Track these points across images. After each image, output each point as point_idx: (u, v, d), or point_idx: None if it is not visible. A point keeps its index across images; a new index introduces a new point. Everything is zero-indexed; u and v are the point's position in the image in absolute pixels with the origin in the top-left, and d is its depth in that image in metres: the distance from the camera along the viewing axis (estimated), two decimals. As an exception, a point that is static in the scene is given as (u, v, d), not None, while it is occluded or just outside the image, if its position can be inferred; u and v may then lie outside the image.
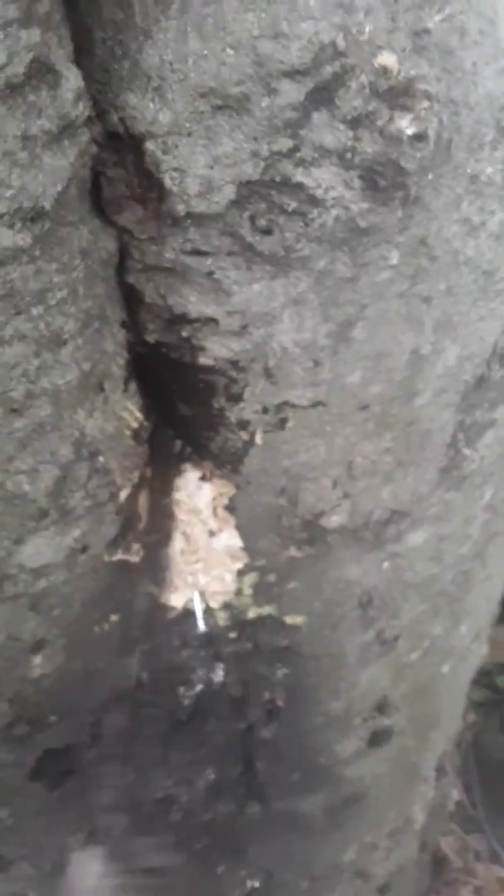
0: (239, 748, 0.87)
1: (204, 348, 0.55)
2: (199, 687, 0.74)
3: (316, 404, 0.61)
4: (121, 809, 0.82)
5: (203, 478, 0.65)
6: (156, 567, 0.66)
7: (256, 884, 1.08)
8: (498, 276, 0.61)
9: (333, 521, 0.68)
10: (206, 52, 0.40)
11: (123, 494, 0.58)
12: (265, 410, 0.61)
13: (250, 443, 0.62)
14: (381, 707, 0.96)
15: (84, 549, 0.56)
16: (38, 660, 0.59)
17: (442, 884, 1.83)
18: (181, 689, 0.73)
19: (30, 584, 0.54)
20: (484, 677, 2.12)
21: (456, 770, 1.63)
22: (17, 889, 0.95)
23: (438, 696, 1.09)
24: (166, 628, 0.70)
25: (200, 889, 1.04)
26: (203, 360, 0.56)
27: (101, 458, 0.52)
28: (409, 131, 0.45)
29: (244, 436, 0.62)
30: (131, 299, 0.53)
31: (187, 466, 0.66)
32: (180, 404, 0.62)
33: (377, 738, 0.98)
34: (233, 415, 0.61)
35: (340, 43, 0.41)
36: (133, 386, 0.58)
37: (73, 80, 0.39)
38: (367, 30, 0.41)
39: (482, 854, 1.90)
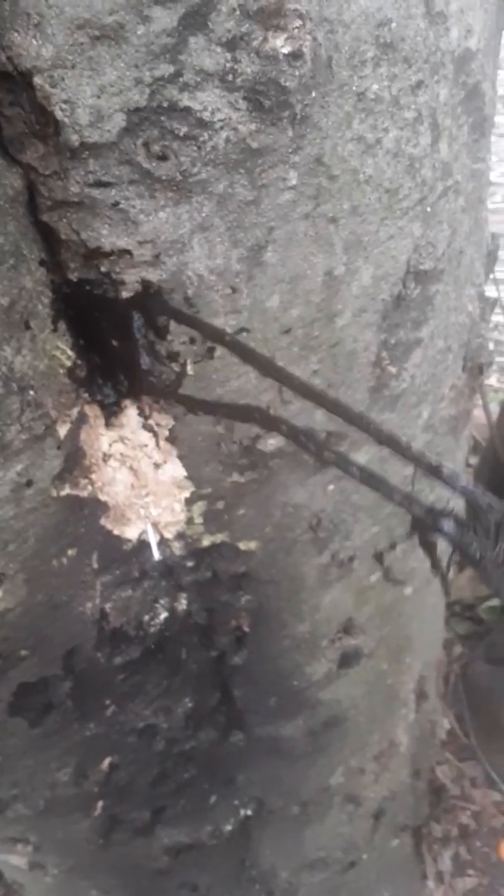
0: (214, 676, 0.92)
1: (123, 282, 0.58)
2: (163, 615, 0.79)
3: (240, 331, 0.64)
4: (105, 742, 0.87)
5: (141, 413, 0.68)
6: (107, 501, 0.70)
7: (249, 812, 1.14)
8: (401, 195, 0.64)
9: (270, 444, 0.71)
10: (76, -17, 0.42)
11: (62, 430, 0.61)
12: (192, 341, 0.64)
13: (182, 374, 0.65)
14: (347, 628, 1.00)
15: (29, 484, 0.60)
16: (-1, 594, 0.63)
17: (441, 811, 1.91)
18: (146, 618, 0.77)
19: (-21, 518, 0.57)
20: (468, 610, 2.19)
21: (441, 697, 1.69)
22: (17, 832, 1.00)
23: (406, 619, 1.14)
24: (124, 560, 0.74)
25: (196, 821, 1.09)
26: (125, 293, 0.59)
27: (31, 393, 0.55)
28: (285, 50, 0.48)
29: (176, 367, 0.65)
30: (49, 239, 0.56)
31: (127, 402, 0.69)
32: (113, 341, 0.65)
33: (347, 660, 1.03)
34: (162, 347, 0.64)
35: (204, -34, 0.43)
36: (62, 326, 0.61)
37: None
38: (228, -48, 0.43)
39: (478, 780, 1.98)
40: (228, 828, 1.12)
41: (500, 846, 1.83)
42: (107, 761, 0.90)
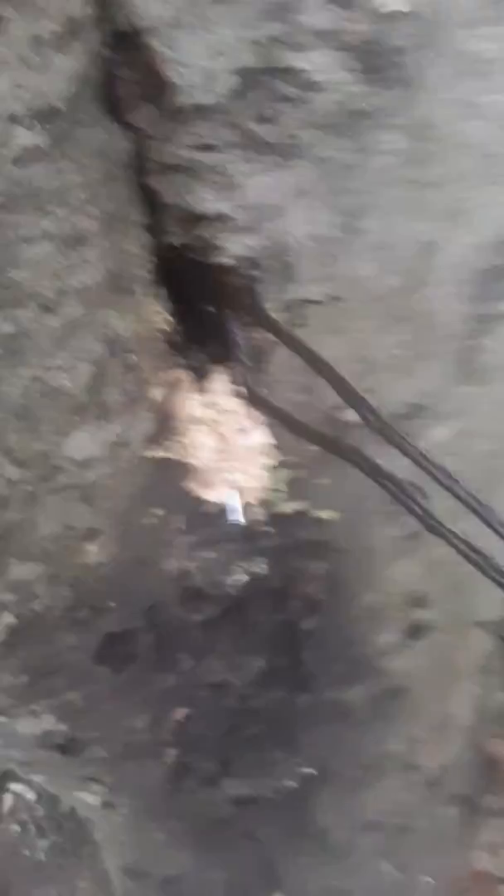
0: (285, 639, 0.94)
1: (223, 247, 0.58)
2: (241, 577, 0.81)
3: (333, 299, 0.64)
4: (181, 693, 0.90)
5: (232, 379, 0.69)
6: (193, 464, 0.71)
7: (311, 771, 1.17)
8: (506, 159, 0.62)
9: (354, 414, 0.71)
10: None
11: (156, 393, 0.63)
12: (286, 308, 0.64)
13: (275, 342, 0.66)
14: (417, 601, 1.01)
15: (124, 444, 0.62)
16: (93, 548, 0.66)
17: (495, 784, 1.91)
18: (225, 579, 0.79)
19: (78, 476, 0.60)
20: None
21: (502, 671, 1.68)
22: (92, 772, 1.05)
23: (475, 593, 1.13)
24: (208, 523, 0.76)
25: (260, 775, 1.13)
26: (224, 259, 0.59)
27: (132, 357, 0.57)
28: (401, 8, 0.47)
29: (268, 335, 0.66)
30: (152, 202, 0.57)
31: (218, 368, 0.70)
32: (208, 307, 0.66)
33: (415, 631, 1.04)
34: (256, 315, 0.64)
35: None
36: (162, 291, 0.62)
37: (77, -17, 0.42)
38: None
39: (534, 756, 1.97)
40: (290, 784, 1.16)
41: (553, 823, 1.82)
42: (181, 712, 0.93)
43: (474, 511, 0.53)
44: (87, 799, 1.11)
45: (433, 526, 0.56)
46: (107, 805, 1.12)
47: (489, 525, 0.51)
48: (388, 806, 1.40)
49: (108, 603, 0.72)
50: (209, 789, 1.07)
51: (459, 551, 0.50)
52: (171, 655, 0.83)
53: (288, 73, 0.48)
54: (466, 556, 0.50)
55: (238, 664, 0.90)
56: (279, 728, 1.06)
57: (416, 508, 0.68)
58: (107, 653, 0.77)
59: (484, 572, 0.51)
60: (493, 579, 0.49)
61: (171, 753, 0.98)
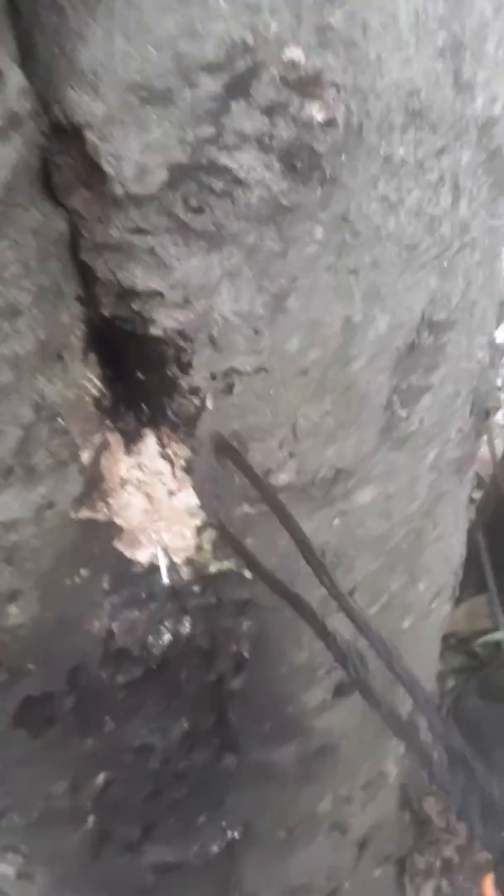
0: (211, 699, 0.94)
1: (153, 320, 0.61)
2: (167, 637, 0.81)
3: (259, 370, 0.67)
4: (102, 757, 0.88)
5: (160, 442, 0.71)
6: (121, 525, 0.72)
7: (236, 834, 1.15)
8: (420, 250, 0.68)
9: (281, 478, 0.74)
10: (131, 50, 0.46)
11: (85, 456, 0.64)
12: (213, 377, 0.67)
13: (202, 408, 0.68)
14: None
15: (51, 506, 0.62)
16: (13, 609, 0.65)
17: (425, 843, 1.91)
18: (150, 639, 0.79)
19: (2, 537, 0.60)
20: (462, 644, 2.20)
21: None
22: (9, 842, 1.01)
23: (402, 651, 1.15)
24: (134, 582, 0.76)
25: (184, 840, 1.10)
26: (153, 331, 0.62)
27: (60, 421, 0.58)
28: (320, 117, 0.51)
29: (196, 401, 0.68)
30: (86, 276, 0.59)
31: (147, 431, 0.71)
32: (137, 373, 0.68)
33: (342, 689, 1.05)
34: (184, 382, 0.67)
35: (249, 40, 0.46)
36: (92, 356, 0.64)
37: (15, 79, 0.44)
38: (273, 28, 0.47)
39: (463, 814, 1.97)
40: (215, 849, 1.14)
41: (482, 881, 1.82)
42: (101, 776, 0.91)
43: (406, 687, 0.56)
44: (1, 869, 1.06)
45: (366, 694, 0.57)
46: (22, 875, 1.07)
47: (415, 699, 0.54)
48: (316, 868, 1.38)
49: (27, 665, 0.71)
50: (130, 856, 1.04)
51: (387, 722, 0.52)
52: (93, 718, 0.81)
53: (216, 169, 0.51)
54: (392, 727, 0.52)
55: (162, 726, 0.89)
56: (204, 791, 1.05)
57: (352, 671, 0.68)
58: (24, 716, 0.75)
59: (407, 742, 0.53)
60: (415, 750, 0.51)
61: (91, 819, 0.95)
